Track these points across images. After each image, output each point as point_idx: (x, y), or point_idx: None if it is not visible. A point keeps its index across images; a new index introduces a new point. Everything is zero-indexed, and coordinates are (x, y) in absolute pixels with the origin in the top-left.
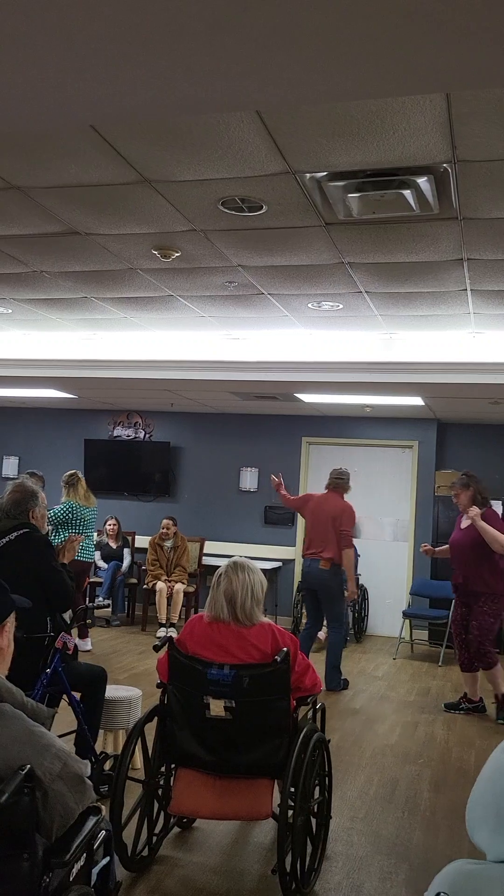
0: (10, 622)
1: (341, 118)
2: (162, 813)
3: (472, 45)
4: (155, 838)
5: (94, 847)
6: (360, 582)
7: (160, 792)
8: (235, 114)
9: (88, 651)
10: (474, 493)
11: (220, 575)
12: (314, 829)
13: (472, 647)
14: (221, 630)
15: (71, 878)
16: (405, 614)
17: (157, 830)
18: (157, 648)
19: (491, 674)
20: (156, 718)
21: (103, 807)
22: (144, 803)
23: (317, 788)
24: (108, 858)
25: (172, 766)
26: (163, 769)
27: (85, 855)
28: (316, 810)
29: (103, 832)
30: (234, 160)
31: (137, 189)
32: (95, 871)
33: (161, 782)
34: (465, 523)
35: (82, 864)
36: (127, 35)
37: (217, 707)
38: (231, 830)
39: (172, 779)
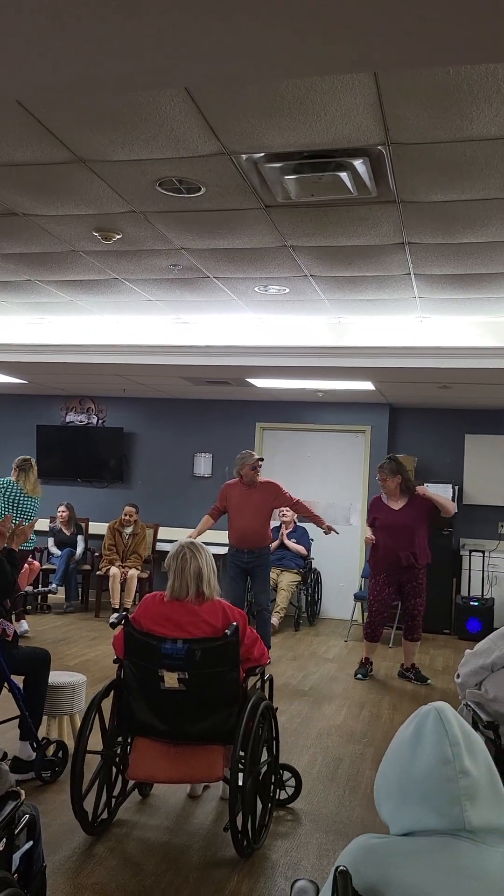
0: None
1: (272, 98)
2: (119, 779)
3: (396, 25)
4: (114, 802)
5: (16, 832)
6: (313, 566)
7: (117, 760)
8: (165, 92)
9: (25, 633)
10: (403, 481)
11: (184, 556)
12: (261, 791)
13: (412, 620)
14: (175, 607)
15: None
16: (356, 597)
17: (114, 796)
18: (113, 626)
19: (416, 646)
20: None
21: (22, 791)
22: (103, 772)
23: (265, 752)
24: (31, 843)
25: (129, 736)
26: (119, 739)
27: (4, 840)
28: (263, 772)
29: (26, 816)
30: (168, 140)
31: (72, 169)
32: (17, 855)
33: (119, 752)
34: (397, 505)
35: (1, 848)
36: (51, 9)
37: (171, 679)
38: (185, 796)
39: (129, 748)
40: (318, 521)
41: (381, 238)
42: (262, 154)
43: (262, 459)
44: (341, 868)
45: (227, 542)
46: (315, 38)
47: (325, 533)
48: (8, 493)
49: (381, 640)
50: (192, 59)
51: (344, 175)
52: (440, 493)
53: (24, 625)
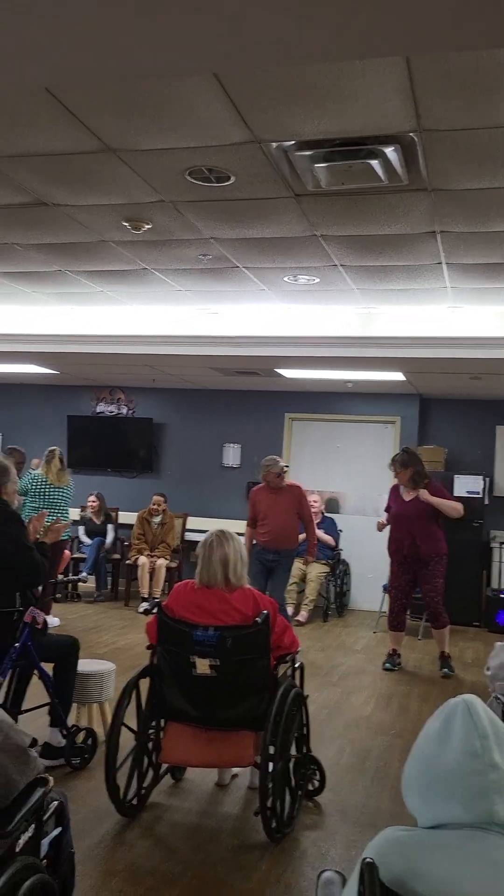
0: None
1: (302, 85)
2: (151, 766)
3: (428, 9)
4: (144, 790)
5: (45, 818)
6: (342, 557)
7: (150, 746)
8: (194, 79)
9: (56, 626)
10: (413, 474)
11: (212, 543)
12: (293, 777)
13: (429, 608)
14: (207, 595)
15: (17, 850)
16: (385, 588)
17: (146, 784)
18: (147, 612)
19: (442, 633)
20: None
21: (51, 778)
22: (136, 755)
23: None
24: (59, 829)
25: (162, 721)
26: (153, 724)
27: (33, 826)
28: (294, 758)
29: (55, 803)
30: (197, 128)
31: (102, 158)
32: (46, 841)
33: (152, 736)
34: (408, 496)
35: (30, 834)
36: None
37: (203, 666)
38: (213, 784)
39: (162, 732)
40: (310, 543)
41: (413, 227)
42: (293, 142)
43: (287, 467)
44: (368, 860)
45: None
46: (346, 21)
47: (304, 560)
48: (35, 486)
49: (407, 632)
50: (221, 43)
51: (375, 163)
52: (470, 484)
53: (55, 621)
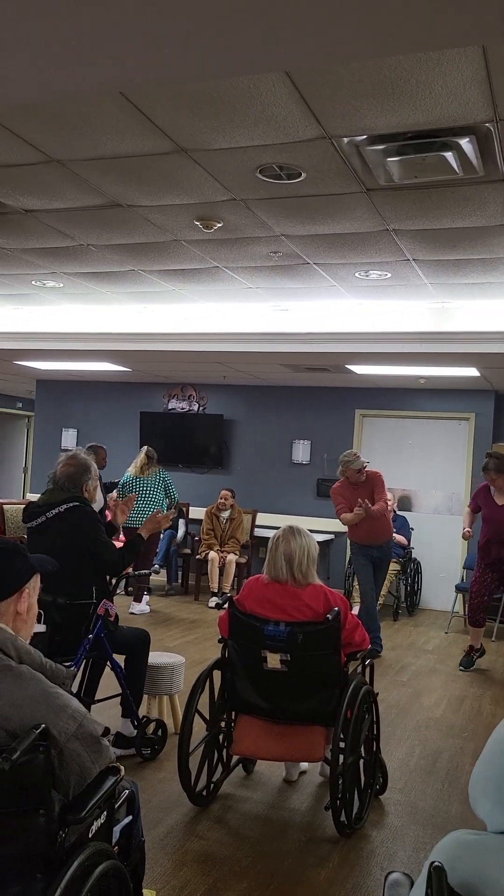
0: (31, 587)
1: (374, 79)
2: (221, 759)
3: None
4: (213, 784)
5: (116, 806)
6: (413, 555)
7: (221, 738)
8: (266, 77)
9: (146, 612)
10: None
11: (279, 539)
12: (363, 775)
13: None
14: (277, 590)
15: (90, 836)
16: (458, 588)
17: (215, 777)
18: (218, 606)
19: None
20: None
21: (122, 767)
22: (208, 746)
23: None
24: (130, 817)
25: (233, 714)
26: (224, 716)
27: (105, 813)
28: (364, 754)
29: (126, 791)
30: (269, 126)
31: (174, 159)
32: (118, 829)
33: (223, 727)
34: (501, 499)
35: (102, 821)
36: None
37: (273, 660)
38: (284, 777)
39: (234, 724)
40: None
41: (489, 219)
42: (364, 136)
43: (368, 462)
44: (436, 864)
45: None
46: (419, 11)
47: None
48: (125, 483)
49: (484, 632)
50: (293, 40)
51: (449, 155)
52: None
53: (138, 607)
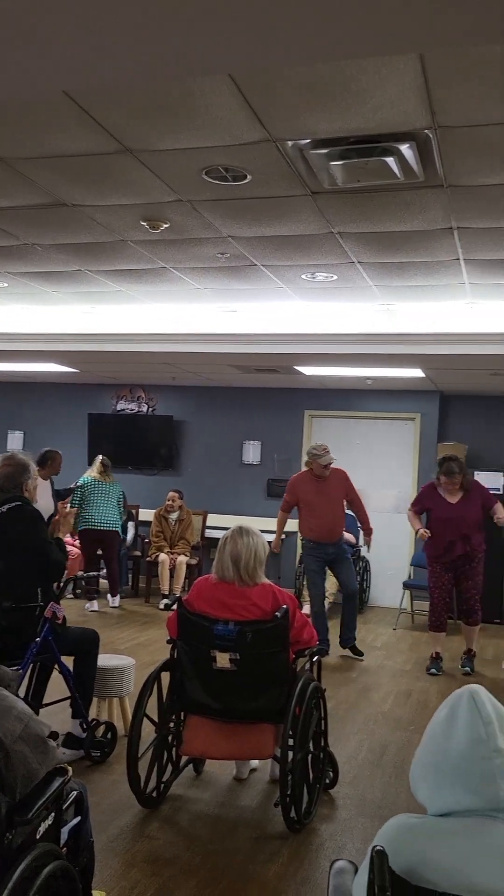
0: None
1: (317, 84)
2: (170, 759)
3: (442, 3)
4: (164, 783)
5: (64, 807)
6: (363, 553)
7: (171, 738)
8: (210, 80)
9: (95, 612)
10: (464, 478)
11: (227, 539)
12: (312, 770)
13: (468, 604)
14: (226, 590)
15: (38, 837)
16: (406, 585)
17: (165, 778)
18: (167, 607)
19: (475, 630)
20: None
21: (70, 768)
22: (157, 747)
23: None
24: (79, 818)
25: (182, 714)
26: (173, 717)
27: (53, 814)
28: (312, 749)
29: (74, 792)
30: (214, 128)
31: (120, 159)
32: (66, 830)
33: (172, 728)
34: (454, 498)
35: (50, 822)
36: (91, 4)
37: (223, 659)
38: (232, 778)
39: (183, 725)
40: (364, 524)
41: (430, 223)
42: (308, 140)
43: (336, 459)
44: (378, 848)
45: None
46: (358, 18)
47: (365, 543)
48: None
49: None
50: (236, 43)
51: (390, 160)
52: (490, 481)
53: (95, 605)
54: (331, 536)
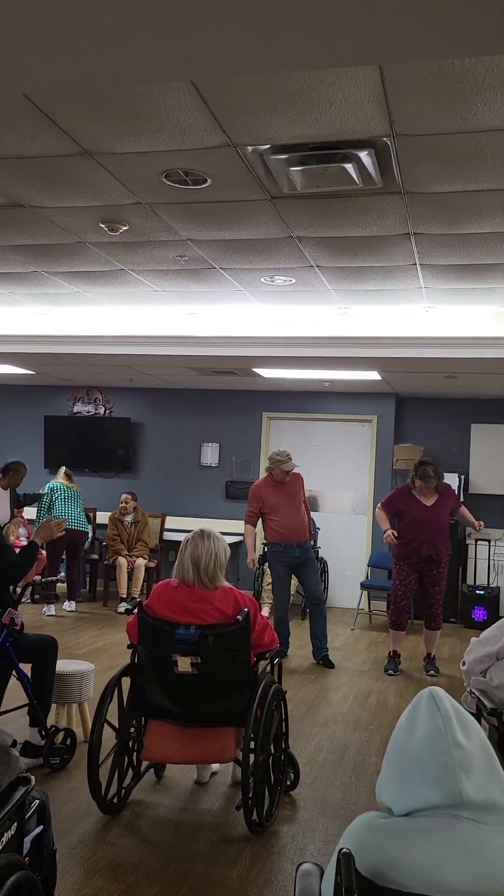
0: None
1: (277, 91)
2: (131, 766)
3: (402, 19)
4: (125, 789)
5: (27, 816)
6: (320, 555)
7: (133, 744)
8: (171, 84)
9: (52, 616)
10: (438, 482)
11: (188, 541)
12: (273, 772)
13: (432, 608)
14: (187, 593)
15: (0, 847)
16: (363, 586)
17: (126, 783)
18: (128, 612)
19: (436, 634)
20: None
21: (32, 777)
22: (118, 753)
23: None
24: (41, 827)
25: (143, 719)
26: (134, 722)
27: (15, 824)
28: (274, 752)
29: (36, 801)
30: (174, 132)
31: (79, 161)
32: (28, 839)
33: (133, 734)
34: (429, 501)
35: (13, 833)
36: (52, 5)
37: (184, 664)
38: (193, 782)
39: (144, 730)
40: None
41: (387, 229)
42: (268, 146)
43: (297, 465)
44: (345, 850)
45: (240, 531)
46: (320, 30)
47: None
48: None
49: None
50: (197, 51)
51: (349, 166)
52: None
53: (51, 609)
54: (298, 535)
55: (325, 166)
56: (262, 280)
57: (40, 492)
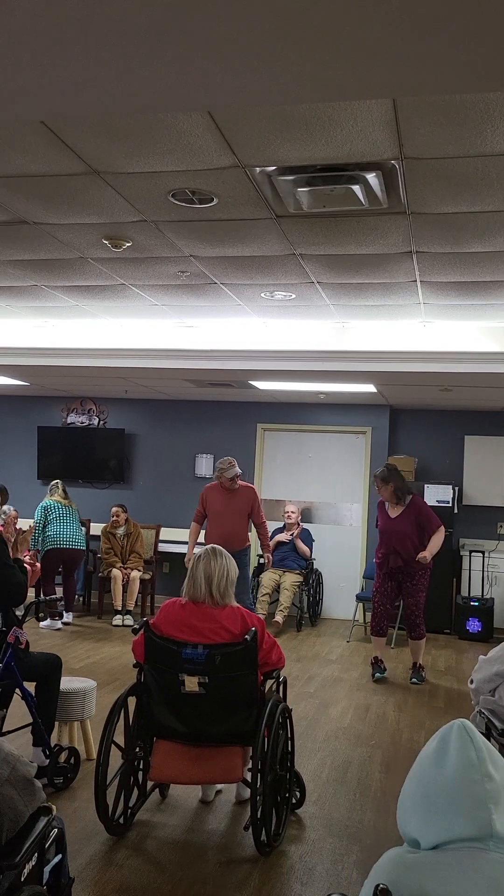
0: None
1: (290, 117)
2: (136, 785)
3: (417, 56)
4: (130, 811)
5: (46, 846)
6: (315, 566)
7: (138, 763)
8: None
9: (46, 628)
10: (395, 489)
11: (200, 558)
12: (279, 792)
13: (409, 619)
14: (195, 612)
15: (22, 879)
16: (359, 598)
17: (132, 804)
18: (134, 632)
19: (419, 644)
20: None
21: (53, 806)
22: (124, 774)
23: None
24: (59, 856)
25: (150, 739)
26: (140, 742)
27: (36, 855)
28: (280, 771)
29: (55, 830)
30: (184, 154)
31: (86, 180)
32: (48, 869)
33: (140, 754)
34: (394, 512)
35: (34, 863)
36: (75, 36)
37: (191, 683)
38: (200, 798)
39: (151, 750)
40: (263, 543)
41: (390, 247)
42: (276, 167)
43: (241, 472)
44: (382, 886)
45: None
46: (336, 66)
47: (265, 560)
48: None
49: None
50: (213, 85)
51: (356, 187)
52: (440, 493)
53: (57, 624)
54: (228, 546)
55: (332, 187)
56: (262, 295)
57: (32, 522)
